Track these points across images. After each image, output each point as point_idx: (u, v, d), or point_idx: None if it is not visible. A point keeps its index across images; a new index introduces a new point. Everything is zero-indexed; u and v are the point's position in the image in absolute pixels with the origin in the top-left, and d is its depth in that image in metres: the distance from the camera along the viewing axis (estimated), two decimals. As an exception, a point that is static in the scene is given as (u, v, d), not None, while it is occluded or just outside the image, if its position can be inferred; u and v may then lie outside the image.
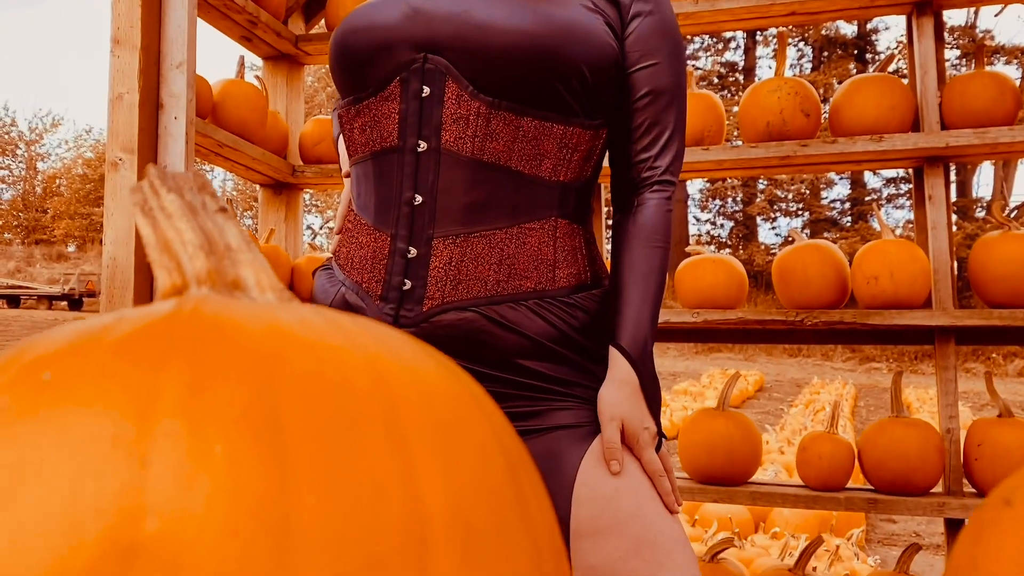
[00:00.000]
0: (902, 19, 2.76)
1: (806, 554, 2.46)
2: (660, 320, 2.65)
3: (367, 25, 1.18)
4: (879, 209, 2.85)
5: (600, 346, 1.20)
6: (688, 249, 2.92)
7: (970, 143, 2.47)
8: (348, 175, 1.32)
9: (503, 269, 1.14)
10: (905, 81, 2.70)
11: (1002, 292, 2.42)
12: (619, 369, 1.17)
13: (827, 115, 2.75)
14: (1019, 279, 2.38)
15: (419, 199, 1.14)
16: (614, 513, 1.08)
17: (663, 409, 10.29)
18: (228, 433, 0.24)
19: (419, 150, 1.14)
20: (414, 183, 1.15)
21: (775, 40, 3.12)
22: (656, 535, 1.07)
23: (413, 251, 1.14)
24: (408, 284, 1.14)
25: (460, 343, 1.12)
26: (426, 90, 1.14)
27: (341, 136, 1.36)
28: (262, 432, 0.24)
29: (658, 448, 1.17)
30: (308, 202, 27.04)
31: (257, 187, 3.31)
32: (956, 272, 2.64)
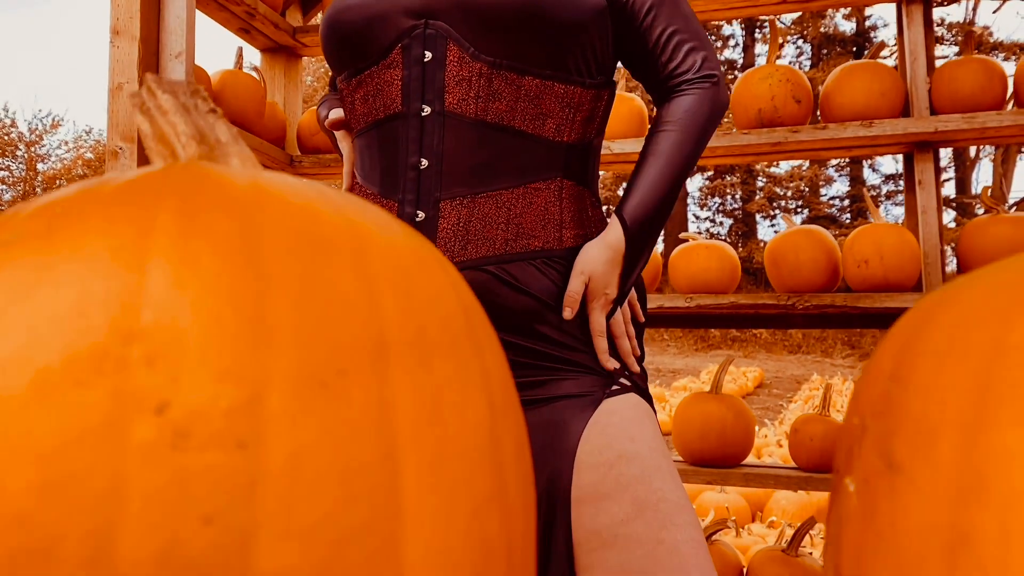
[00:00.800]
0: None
1: (799, 535, 2.49)
2: (654, 306, 2.68)
3: (360, 2, 1.21)
4: (870, 198, 2.89)
5: None
6: (681, 236, 2.95)
7: (959, 128, 2.51)
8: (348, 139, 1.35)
9: (511, 228, 1.15)
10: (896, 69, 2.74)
11: (990, 274, 2.46)
12: (611, 233, 1.18)
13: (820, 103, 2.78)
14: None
15: (425, 163, 1.15)
16: (616, 478, 1.08)
17: (663, 405, 10.34)
18: (214, 248, 0.27)
19: (423, 114, 1.15)
20: (419, 147, 1.16)
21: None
22: (658, 499, 1.07)
23: (421, 214, 1.15)
24: None
25: None
26: (428, 55, 1.15)
27: (328, 110, 1.40)
28: (244, 249, 0.28)
29: (612, 312, 1.20)
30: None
31: (255, 178, 3.34)
32: (946, 258, 2.67)
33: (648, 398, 1.21)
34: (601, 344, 1.18)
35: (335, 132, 1.37)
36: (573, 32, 1.16)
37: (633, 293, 1.30)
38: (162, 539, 0.24)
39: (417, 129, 1.16)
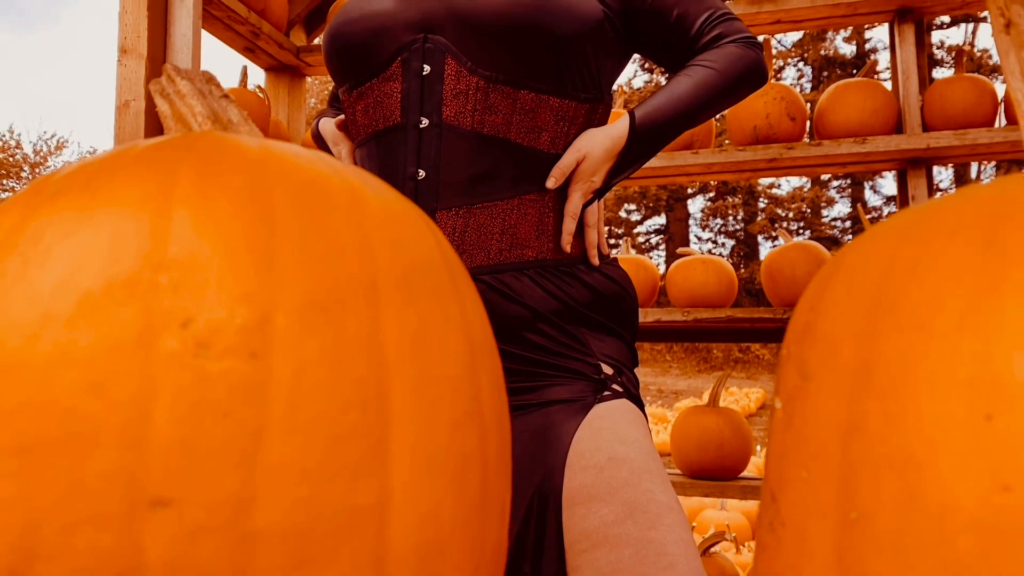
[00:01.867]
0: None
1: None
2: (652, 320, 2.72)
3: (363, 15, 1.24)
4: (867, 218, 2.92)
5: (600, 315, 1.24)
6: (679, 251, 2.99)
7: (951, 144, 2.55)
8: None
9: (506, 239, 1.18)
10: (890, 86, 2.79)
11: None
12: (617, 126, 1.23)
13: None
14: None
15: (422, 174, 1.18)
16: (607, 481, 1.08)
17: (665, 425, 10.33)
18: (230, 197, 0.32)
19: (421, 126, 1.19)
20: (417, 158, 1.19)
21: (774, 58, 3.20)
22: (648, 500, 1.07)
23: None
24: None
25: None
26: (426, 68, 1.19)
27: (325, 124, 1.43)
28: (255, 198, 0.32)
29: (590, 202, 1.25)
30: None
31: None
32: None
33: (640, 404, 1.23)
34: (569, 226, 1.21)
35: (330, 138, 1.39)
36: (570, 47, 1.19)
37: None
38: (186, 428, 0.28)
39: (415, 141, 1.19)
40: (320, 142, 1.44)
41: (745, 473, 2.80)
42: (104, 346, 0.29)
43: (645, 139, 1.24)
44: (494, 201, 1.18)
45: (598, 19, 1.23)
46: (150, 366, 0.29)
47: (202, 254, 0.31)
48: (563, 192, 1.24)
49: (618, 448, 1.11)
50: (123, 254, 0.31)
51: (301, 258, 0.31)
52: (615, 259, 1.33)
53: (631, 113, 1.24)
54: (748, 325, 2.74)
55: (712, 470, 2.68)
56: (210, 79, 0.42)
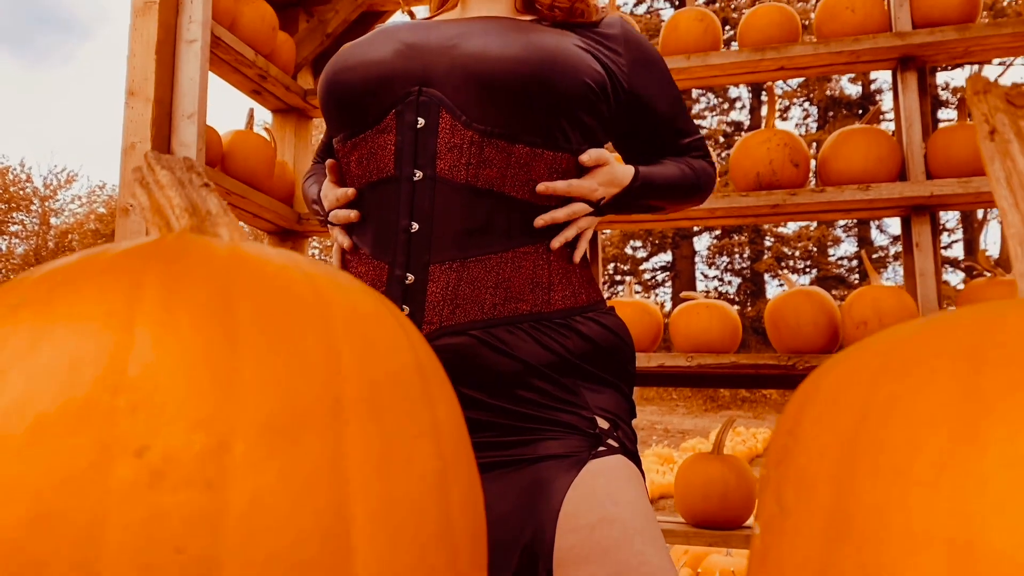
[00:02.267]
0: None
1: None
2: (655, 364, 2.70)
3: (360, 63, 1.24)
4: (869, 261, 2.92)
5: (596, 367, 1.22)
6: (683, 295, 2.98)
7: (954, 192, 2.55)
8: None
9: (499, 292, 1.17)
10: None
11: (988, 336, 2.48)
12: (626, 168, 1.30)
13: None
14: (1004, 323, 2.44)
15: (415, 226, 1.17)
16: (598, 541, 1.06)
17: (671, 465, 10.25)
18: (192, 313, 0.32)
19: (415, 179, 1.18)
20: (410, 211, 1.18)
21: (780, 98, 3.23)
22: (640, 563, 1.05)
23: (410, 277, 1.17)
24: (406, 310, 1.16)
25: (458, 368, 1.14)
26: (421, 121, 1.19)
27: (314, 181, 1.43)
28: (219, 313, 0.32)
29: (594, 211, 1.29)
30: (319, 257, 27.19)
31: (265, 237, 3.41)
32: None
33: (636, 459, 1.21)
34: (555, 214, 1.22)
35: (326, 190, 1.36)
36: (570, 104, 1.20)
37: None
38: (139, 566, 0.27)
39: (409, 193, 1.18)
40: (312, 207, 1.44)
41: (749, 522, 2.76)
42: (54, 476, 0.28)
43: (640, 188, 1.30)
44: (488, 254, 1.18)
45: (600, 82, 1.25)
46: (102, 497, 0.28)
47: (162, 375, 0.30)
48: (556, 243, 1.24)
49: (611, 508, 1.09)
50: (81, 375, 0.30)
51: (263, 377, 0.31)
52: (612, 308, 1.31)
53: (635, 167, 1.30)
54: (752, 371, 2.72)
55: (716, 519, 2.65)
56: (191, 167, 0.42)
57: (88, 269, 0.33)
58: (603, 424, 1.19)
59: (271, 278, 0.34)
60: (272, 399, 0.30)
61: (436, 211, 1.18)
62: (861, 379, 0.28)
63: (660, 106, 1.37)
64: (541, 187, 1.20)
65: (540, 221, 1.21)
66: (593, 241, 2.94)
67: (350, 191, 1.27)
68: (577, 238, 1.27)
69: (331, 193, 1.32)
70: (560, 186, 1.21)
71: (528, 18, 1.35)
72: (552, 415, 1.17)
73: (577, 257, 1.26)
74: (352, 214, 1.27)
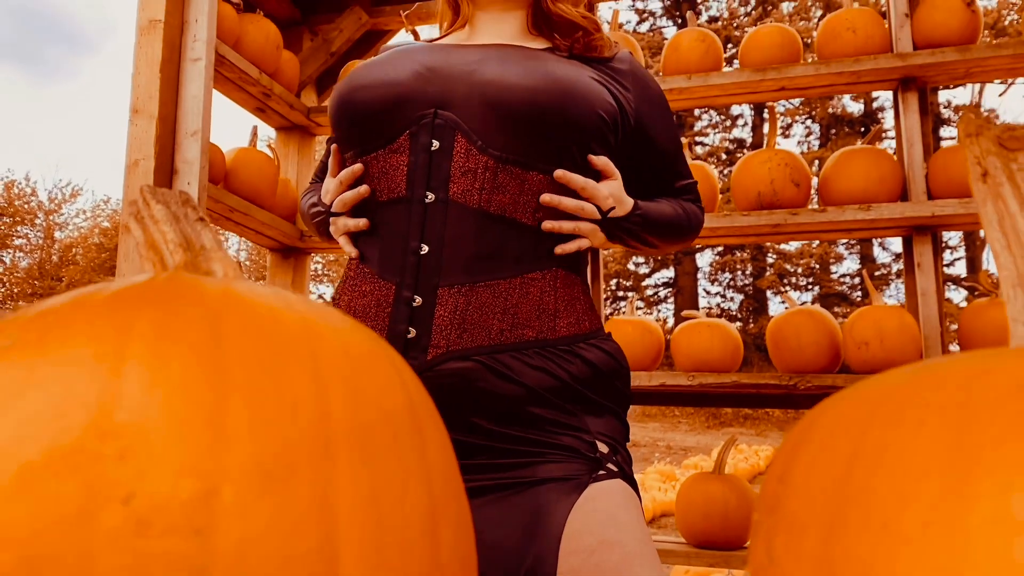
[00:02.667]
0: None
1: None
2: (657, 383, 2.70)
3: (377, 82, 1.24)
4: (869, 278, 2.92)
5: (596, 391, 1.23)
6: (684, 313, 2.98)
7: (956, 212, 2.55)
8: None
9: (507, 318, 1.17)
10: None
11: (990, 357, 2.47)
12: (627, 197, 1.30)
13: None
14: (1006, 344, 2.43)
15: (425, 248, 1.17)
16: (597, 565, 1.06)
17: (673, 483, 10.22)
18: (181, 355, 0.31)
19: (427, 201, 1.18)
20: (421, 233, 1.18)
21: (782, 115, 3.24)
22: None
23: (418, 300, 1.17)
24: (412, 332, 1.16)
25: (462, 393, 1.15)
26: (435, 144, 1.19)
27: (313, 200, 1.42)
28: (209, 355, 0.32)
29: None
30: (320, 272, 27.22)
31: (267, 253, 3.42)
32: (954, 337, 2.69)
33: (633, 483, 1.21)
34: (563, 225, 1.22)
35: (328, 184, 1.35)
36: (584, 135, 1.22)
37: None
38: None
39: (420, 215, 1.18)
40: (310, 221, 1.44)
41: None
42: (40, 523, 0.28)
43: (637, 218, 1.30)
44: (497, 279, 1.18)
45: (611, 114, 1.26)
46: (89, 544, 0.28)
47: (150, 421, 0.30)
48: (564, 272, 1.24)
49: (611, 532, 1.09)
50: (69, 421, 0.30)
51: (253, 421, 0.31)
52: (609, 334, 1.32)
53: (634, 200, 1.31)
54: (754, 390, 2.72)
55: (717, 539, 2.64)
56: (186, 201, 0.42)
57: (79, 310, 0.34)
58: (603, 448, 1.19)
59: (262, 320, 0.34)
60: (261, 443, 0.30)
61: (447, 234, 1.18)
62: (851, 426, 0.28)
63: (662, 144, 1.40)
64: (546, 198, 1.20)
65: (548, 224, 1.21)
66: (595, 257, 2.94)
67: (357, 167, 1.25)
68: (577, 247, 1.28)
69: (331, 182, 1.31)
70: (578, 180, 1.21)
71: (542, 46, 1.36)
72: (554, 439, 1.17)
73: (559, 250, 1.24)
74: (361, 222, 1.26)
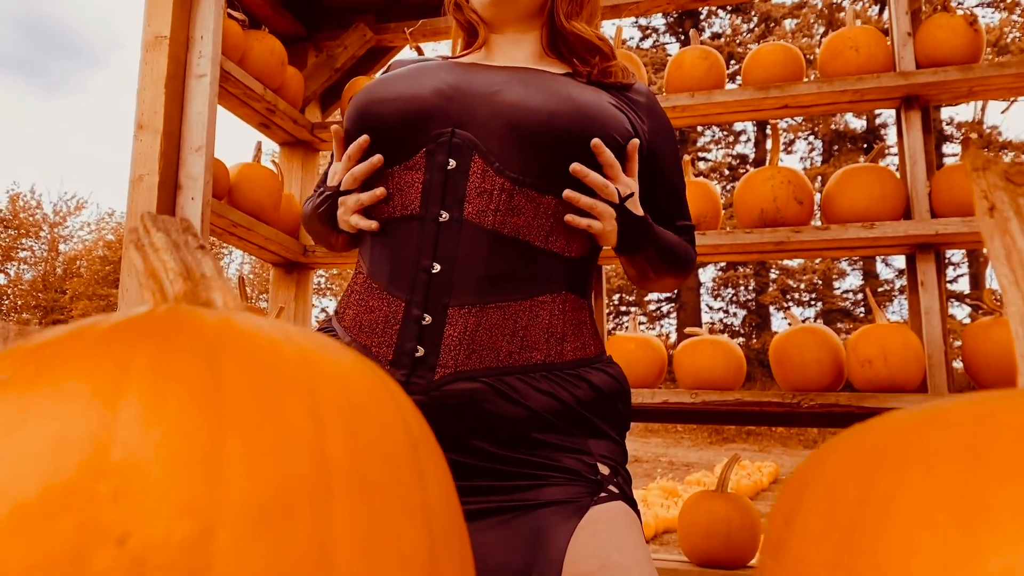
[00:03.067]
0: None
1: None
2: (659, 400, 2.69)
3: (397, 96, 1.24)
4: (872, 295, 2.91)
5: (599, 414, 1.22)
6: (687, 331, 2.97)
7: (959, 231, 2.55)
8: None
9: (516, 341, 1.17)
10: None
11: (994, 375, 2.46)
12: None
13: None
14: (1010, 363, 2.42)
15: (437, 267, 1.17)
16: None
17: (675, 499, 10.18)
18: (179, 392, 0.31)
19: (440, 220, 1.18)
20: (433, 251, 1.17)
21: (784, 131, 3.25)
22: None
23: (428, 318, 1.16)
24: (421, 351, 1.16)
25: (467, 414, 1.14)
26: (452, 163, 1.19)
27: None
28: (207, 391, 0.31)
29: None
30: (323, 285, 27.23)
31: (271, 268, 3.42)
32: (958, 354, 2.68)
33: (634, 505, 1.21)
34: (589, 173, 1.19)
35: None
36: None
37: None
38: None
39: (433, 234, 1.18)
40: (314, 219, 1.41)
41: (754, 562, 2.73)
42: (31, 564, 0.28)
43: (646, 229, 1.26)
44: (507, 301, 1.18)
45: (629, 139, 1.26)
46: None
47: (146, 459, 0.29)
48: (573, 296, 1.24)
49: (612, 555, 1.09)
50: (64, 458, 0.29)
51: (250, 460, 0.30)
52: (610, 357, 1.32)
53: (644, 215, 1.30)
54: (757, 408, 2.71)
55: (720, 558, 2.62)
56: (187, 228, 0.42)
57: (78, 343, 0.33)
58: (604, 470, 1.19)
59: (261, 354, 0.34)
60: (259, 482, 0.30)
61: (460, 254, 1.17)
62: (858, 470, 0.28)
63: (670, 181, 1.40)
64: (575, 167, 1.17)
65: (568, 193, 1.18)
66: (598, 274, 2.94)
67: (364, 138, 1.23)
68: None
69: (337, 165, 1.28)
70: (597, 176, 1.19)
71: (561, 71, 1.36)
72: (556, 461, 1.17)
73: (569, 219, 1.20)
74: (378, 191, 1.23)
